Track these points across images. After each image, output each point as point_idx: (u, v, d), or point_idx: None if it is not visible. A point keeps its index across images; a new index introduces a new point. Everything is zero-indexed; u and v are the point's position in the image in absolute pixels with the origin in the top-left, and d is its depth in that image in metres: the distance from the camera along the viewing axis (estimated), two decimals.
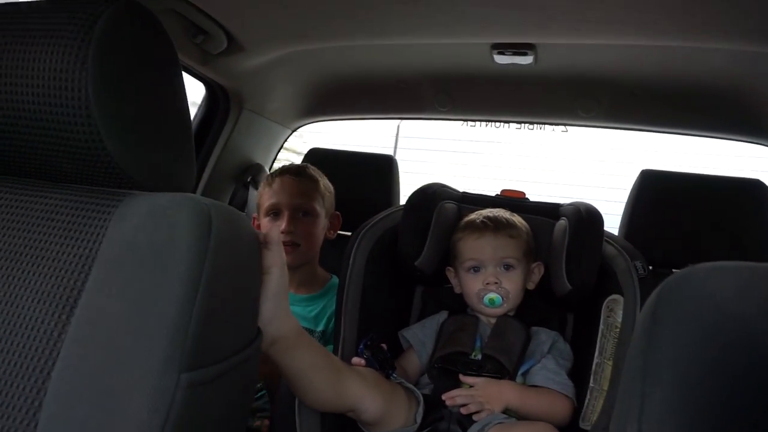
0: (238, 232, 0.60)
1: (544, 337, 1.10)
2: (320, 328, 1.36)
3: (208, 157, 1.72)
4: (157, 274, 0.52)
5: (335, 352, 1.09)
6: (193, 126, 1.70)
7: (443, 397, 0.96)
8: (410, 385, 1.00)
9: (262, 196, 1.41)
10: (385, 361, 0.97)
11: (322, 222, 1.41)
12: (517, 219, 1.16)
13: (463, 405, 0.98)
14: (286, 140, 2.03)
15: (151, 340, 0.49)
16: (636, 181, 1.50)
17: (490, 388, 0.98)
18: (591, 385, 1.03)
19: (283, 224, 1.33)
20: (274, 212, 1.37)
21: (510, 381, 1.02)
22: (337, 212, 1.49)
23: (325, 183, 1.44)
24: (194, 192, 1.69)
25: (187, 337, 0.49)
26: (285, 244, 1.33)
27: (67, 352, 0.52)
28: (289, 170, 1.41)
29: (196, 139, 1.68)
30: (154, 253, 0.53)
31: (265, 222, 1.38)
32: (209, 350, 0.53)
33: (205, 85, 1.64)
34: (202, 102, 1.70)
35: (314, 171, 1.43)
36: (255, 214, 1.48)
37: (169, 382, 0.48)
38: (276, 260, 0.69)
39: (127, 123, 0.59)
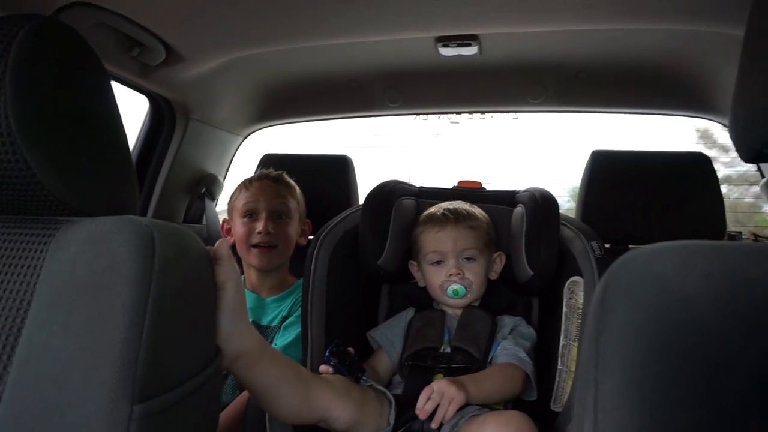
0: (185, 250, 0.57)
1: (507, 322, 1.12)
2: (264, 322, 1.39)
3: (158, 172, 1.67)
4: (100, 303, 0.49)
5: (303, 359, 1.07)
6: (140, 140, 1.65)
7: (418, 413, 0.95)
8: (381, 387, 1.00)
9: (237, 199, 1.45)
10: (353, 365, 0.96)
11: (296, 226, 1.46)
12: (477, 210, 1.17)
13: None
14: (238, 148, 1.99)
15: (99, 374, 0.47)
16: (587, 162, 1.53)
17: (446, 381, 0.97)
18: (559, 367, 1.05)
19: (260, 225, 1.38)
20: (251, 214, 1.42)
21: (463, 376, 1.00)
22: (308, 219, 1.53)
23: (299, 191, 1.50)
24: (146, 210, 1.65)
25: (137, 366, 0.47)
26: (262, 245, 1.38)
27: (10, 395, 0.49)
28: (267, 176, 1.47)
29: (143, 154, 1.63)
30: (95, 282, 0.50)
31: (239, 223, 1.42)
32: (163, 377, 0.51)
33: (147, 97, 1.59)
34: (146, 115, 1.65)
35: (289, 178, 1.50)
36: (225, 218, 1.53)
37: (122, 416, 0.46)
38: (229, 275, 0.67)
39: (56, 147, 0.56)
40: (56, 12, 1.05)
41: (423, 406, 0.94)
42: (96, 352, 0.48)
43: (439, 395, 0.93)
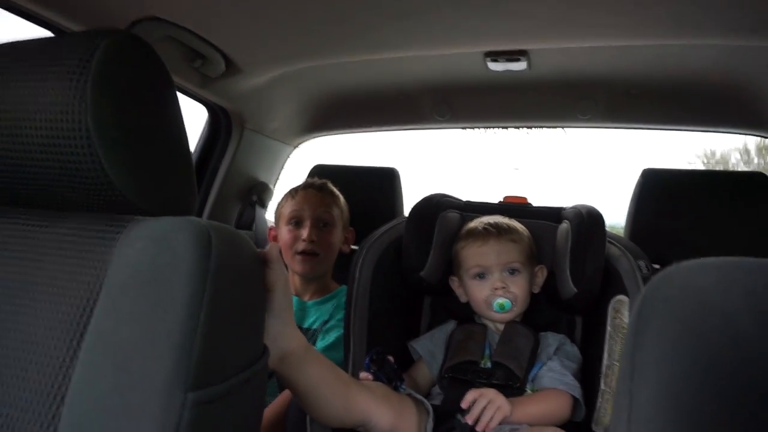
0: (239, 252, 0.61)
1: (551, 340, 1.10)
2: (305, 325, 1.43)
3: (213, 179, 1.74)
4: (161, 296, 0.53)
5: (345, 365, 1.09)
6: (197, 148, 1.73)
7: (465, 418, 0.96)
8: (419, 396, 1.01)
9: (284, 207, 1.51)
10: (392, 373, 0.97)
11: (340, 234, 1.50)
12: (517, 224, 1.17)
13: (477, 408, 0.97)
14: (288, 157, 2.05)
15: (158, 361, 0.50)
16: (638, 181, 1.50)
17: (494, 390, 0.98)
18: (602, 387, 1.03)
19: (304, 233, 1.43)
20: (296, 222, 1.46)
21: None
22: (351, 227, 1.57)
23: (342, 199, 1.55)
24: (201, 214, 1.72)
25: (192, 357, 0.51)
26: (306, 252, 1.42)
27: (79, 377, 0.54)
28: (312, 185, 1.53)
29: (200, 161, 1.71)
30: (157, 276, 0.54)
31: (285, 230, 1.48)
32: (215, 369, 0.54)
33: (206, 107, 1.67)
34: (204, 124, 1.73)
35: (333, 187, 1.54)
36: (272, 225, 1.60)
37: (176, 402, 0.49)
38: (278, 277, 0.70)
39: (128, 151, 0.60)
40: (130, 26, 1.13)
41: (469, 404, 0.95)
42: (156, 341, 0.51)
43: (486, 400, 0.94)
